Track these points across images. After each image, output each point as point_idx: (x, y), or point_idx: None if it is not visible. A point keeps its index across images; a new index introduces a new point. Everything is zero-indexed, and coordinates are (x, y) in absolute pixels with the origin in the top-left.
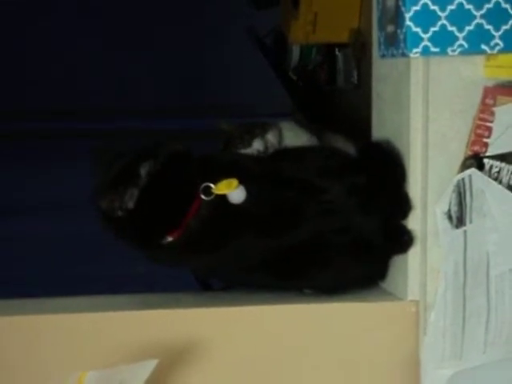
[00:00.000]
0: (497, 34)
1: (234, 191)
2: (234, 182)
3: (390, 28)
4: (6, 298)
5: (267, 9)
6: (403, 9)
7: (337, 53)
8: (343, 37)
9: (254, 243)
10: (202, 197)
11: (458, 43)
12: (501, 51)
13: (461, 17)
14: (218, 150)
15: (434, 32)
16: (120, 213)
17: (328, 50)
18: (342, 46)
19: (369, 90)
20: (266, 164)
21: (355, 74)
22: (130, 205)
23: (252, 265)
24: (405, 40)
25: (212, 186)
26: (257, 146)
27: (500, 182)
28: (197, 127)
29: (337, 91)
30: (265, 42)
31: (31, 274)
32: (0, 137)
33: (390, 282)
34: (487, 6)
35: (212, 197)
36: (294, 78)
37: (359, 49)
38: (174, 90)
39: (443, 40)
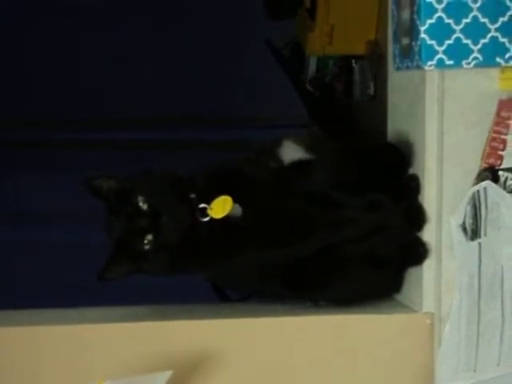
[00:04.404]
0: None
1: (229, 211)
2: (229, 201)
3: (405, 40)
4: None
5: (283, 19)
6: (418, 22)
7: (353, 64)
8: (360, 48)
9: (261, 255)
10: (200, 218)
11: (472, 56)
12: None
13: (476, 30)
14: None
15: (449, 45)
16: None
17: (345, 61)
18: (358, 57)
19: (385, 102)
20: (276, 175)
21: (372, 85)
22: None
23: (264, 276)
24: (419, 52)
25: (207, 207)
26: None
27: None
28: (211, 138)
29: (353, 103)
30: (282, 54)
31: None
32: (4, 145)
33: (405, 294)
34: (502, 19)
35: (209, 217)
36: (311, 89)
37: (376, 60)
38: (189, 101)
39: (458, 53)
